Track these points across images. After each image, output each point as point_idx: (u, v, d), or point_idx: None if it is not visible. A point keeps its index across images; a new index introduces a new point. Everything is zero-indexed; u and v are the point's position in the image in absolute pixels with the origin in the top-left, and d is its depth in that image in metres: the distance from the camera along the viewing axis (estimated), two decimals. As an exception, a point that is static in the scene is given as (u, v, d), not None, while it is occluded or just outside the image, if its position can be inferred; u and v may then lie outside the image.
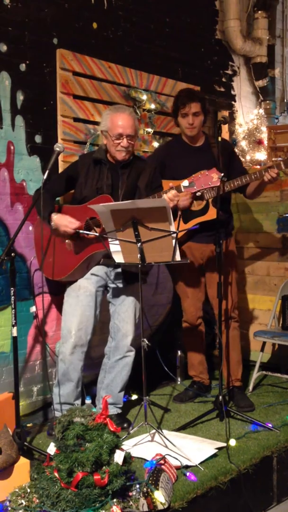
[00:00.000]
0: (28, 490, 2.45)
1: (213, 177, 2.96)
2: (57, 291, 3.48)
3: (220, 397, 3.26)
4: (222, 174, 2.99)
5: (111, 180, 3.24)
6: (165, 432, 3.09)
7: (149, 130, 4.21)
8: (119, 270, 3.30)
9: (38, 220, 3.35)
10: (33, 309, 3.46)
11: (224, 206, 3.56)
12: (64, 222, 3.10)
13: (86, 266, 3.25)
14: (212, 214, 3.45)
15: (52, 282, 3.39)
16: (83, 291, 3.24)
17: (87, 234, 3.10)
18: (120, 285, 3.33)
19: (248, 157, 5.11)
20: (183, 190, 3.03)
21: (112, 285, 3.34)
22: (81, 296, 3.23)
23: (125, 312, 3.31)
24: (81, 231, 3.09)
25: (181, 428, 3.28)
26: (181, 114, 3.50)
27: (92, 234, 3.08)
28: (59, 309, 3.49)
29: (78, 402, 3.28)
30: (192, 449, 2.91)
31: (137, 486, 2.48)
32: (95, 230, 3.10)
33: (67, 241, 3.22)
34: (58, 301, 3.50)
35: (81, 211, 3.20)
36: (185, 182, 2.99)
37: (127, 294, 3.33)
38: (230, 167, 3.51)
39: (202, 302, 3.78)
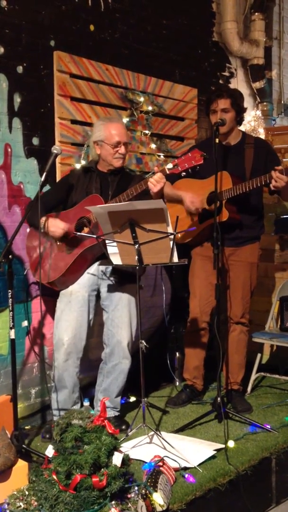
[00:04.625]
0: (27, 493, 2.45)
1: (196, 156, 2.99)
2: (54, 293, 3.47)
3: (219, 399, 3.26)
4: (204, 154, 3.00)
5: (100, 184, 3.29)
6: (163, 434, 3.09)
7: (147, 132, 4.22)
8: (112, 272, 3.29)
9: (29, 231, 3.35)
10: (25, 323, 3.45)
11: (245, 208, 3.53)
12: (51, 222, 3.15)
13: (81, 266, 3.25)
14: (223, 216, 3.43)
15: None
16: (75, 296, 3.23)
17: (84, 235, 3.10)
18: (113, 289, 3.30)
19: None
20: (167, 172, 3.06)
21: (104, 289, 3.31)
22: (73, 302, 3.22)
23: (119, 318, 3.28)
24: (78, 233, 3.10)
25: (180, 430, 3.27)
26: (211, 111, 3.51)
27: (89, 236, 3.08)
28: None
29: (76, 407, 3.27)
30: (190, 451, 2.90)
31: (136, 488, 2.48)
32: (88, 227, 3.15)
33: (58, 243, 3.23)
34: (54, 303, 3.49)
35: (73, 213, 3.23)
36: (169, 165, 3.05)
37: (120, 298, 3.29)
38: (264, 168, 3.45)
39: (211, 307, 3.63)
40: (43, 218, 3.15)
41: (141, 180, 3.38)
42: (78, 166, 3.68)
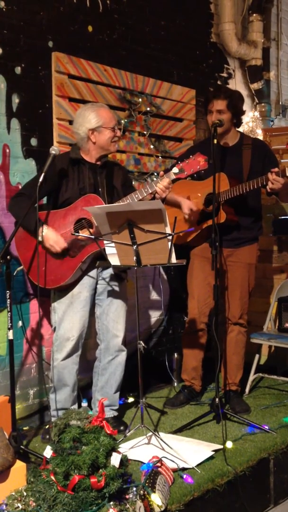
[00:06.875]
0: (25, 494, 2.45)
1: (200, 161, 2.99)
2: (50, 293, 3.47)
3: (217, 400, 3.26)
4: (208, 158, 3.00)
5: (93, 180, 3.25)
6: (161, 434, 3.09)
7: (145, 133, 4.22)
8: (109, 270, 3.29)
9: (19, 233, 3.18)
10: (20, 324, 3.44)
11: (243, 209, 3.53)
12: (53, 238, 3.06)
13: (81, 269, 3.24)
14: (221, 217, 3.43)
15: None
16: (77, 297, 3.21)
17: (83, 236, 3.08)
18: (110, 285, 3.31)
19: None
20: (173, 176, 3.05)
21: (101, 285, 3.31)
22: (75, 303, 3.21)
23: (114, 312, 3.29)
24: (76, 234, 3.08)
25: (178, 431, 3.27)
26: (208, 111, 3.51)
27: (87, 236, 3.06)
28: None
29: (75, 406, 3.27)
30: (188, 452, 2.90)
31: (134, 488, 2.48)
32: (89, 231, 3.07)
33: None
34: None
35: (69, 213, 3.16)
36: (175, 169, 3.04)
37: (116, 293, 3.31)
38: (262, 170, 3.46)
39: (210, 308, 3.65)
40: (43, 228, 3.06)
41: (123, 172, 3.42)
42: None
